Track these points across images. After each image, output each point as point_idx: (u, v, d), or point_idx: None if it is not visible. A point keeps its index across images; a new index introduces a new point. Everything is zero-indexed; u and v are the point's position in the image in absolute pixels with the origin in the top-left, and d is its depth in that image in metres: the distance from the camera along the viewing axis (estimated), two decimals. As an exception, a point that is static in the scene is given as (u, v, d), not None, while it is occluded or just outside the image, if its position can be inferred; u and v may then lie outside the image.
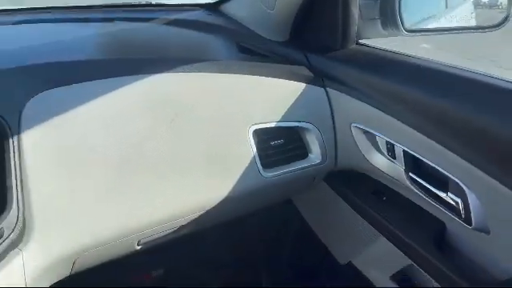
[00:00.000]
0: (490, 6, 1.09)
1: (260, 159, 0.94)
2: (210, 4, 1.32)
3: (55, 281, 0.84)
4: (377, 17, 0.99)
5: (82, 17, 1.17)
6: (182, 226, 0.94)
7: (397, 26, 0.97)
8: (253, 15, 1.14)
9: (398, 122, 0.87)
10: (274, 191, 1.01)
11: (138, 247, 0.94)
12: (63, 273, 0.83)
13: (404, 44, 1.29)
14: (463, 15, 1.04)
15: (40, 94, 0.79)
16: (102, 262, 0.91)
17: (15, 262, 0.71)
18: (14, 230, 0.71)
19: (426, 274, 0.86)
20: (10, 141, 0.74)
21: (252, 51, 1.08)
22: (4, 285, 0.70)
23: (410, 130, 0.85)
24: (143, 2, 1.31)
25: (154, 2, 1.29)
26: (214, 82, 0.94)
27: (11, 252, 0.71)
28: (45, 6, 1.13)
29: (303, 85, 0.99)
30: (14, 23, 1.06)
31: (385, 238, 0.94)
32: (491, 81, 0.77)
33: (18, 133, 0.75)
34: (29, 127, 0.76)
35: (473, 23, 1.01)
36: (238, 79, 0.95)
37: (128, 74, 0.88)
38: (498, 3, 1.03)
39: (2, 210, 0.71)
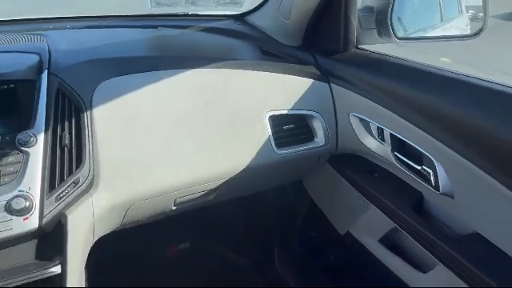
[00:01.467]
0: (473, 19, 1.30)
1: (274, 139, 1.16)
2: (236, 15, 1.57)
3: (110, 229, 1.07)
4: (373, 26, 1.20)
5: (132, 24, 1.43)
6: (211, 191, 1.16)
7: (389, 35, 1.18)
8: (272, 24, 1.38)
9: (387, 111, 1.07)
10: (284, 167, 1.22)
11: (174, 207, 1.17)
12: (117, 221, 1.07)
13: (405, 50, 1.49)
14: (448, 26, 1.24)
15: (106, 80, 1.04)
16: (147, 218, 1.14)
17: (86, 202, 0.95)
18: (86, 179, 0.95)
19: (407, 234, 1.06)
20: (85, 113, 0.98)
21: (271, 53, 1.31)
22: (77, 218, 0.94)
23: (396, 117, 1.05)
24: (180, 13, 1.56)
25: (189, 13, 1.54)
26: (240, 75, 1.17)
27: (84, 195, 0.95)
28: (104, 15, 1.40)
29: (311, 80, 1.21)
30: (83, 27, 1.33)
31: (375, 207, 1.14)
32: (454, 76, 0.97)
33: (91, 107, 0.99)
34: (98, 103, 1.01)
35: (455, 33, 1.21)
36: (258, 74, 1.18)
37: (172, 67, 1.12)
38: (479, 16, 1.23)
39: (79, 164, 0.95)
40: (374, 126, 1.13)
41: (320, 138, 1.22)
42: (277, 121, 1.18)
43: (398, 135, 1.06)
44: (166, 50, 1.25)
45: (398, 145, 1.08)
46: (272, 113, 1.16)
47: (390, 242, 1.15)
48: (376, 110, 1.10)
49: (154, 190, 1.05)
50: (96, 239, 1.03)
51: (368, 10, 1.20)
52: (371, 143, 1.16)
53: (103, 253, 1.14)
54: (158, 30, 1.40)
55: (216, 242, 1.77)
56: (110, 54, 1.13)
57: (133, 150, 1.02)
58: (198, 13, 1.55)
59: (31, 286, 0.91)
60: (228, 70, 1.17)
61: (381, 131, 1.11)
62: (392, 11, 1.16)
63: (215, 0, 1.44)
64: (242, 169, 1.13)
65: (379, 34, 1.21)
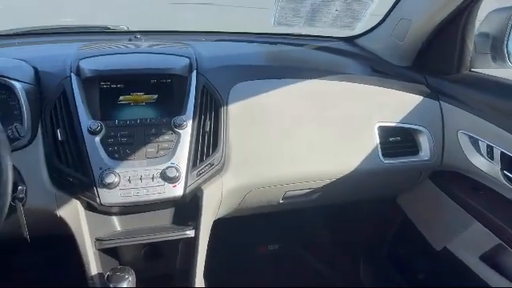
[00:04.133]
0: None
1: (381, 149, 1.25)
2: (346, 37, 1.70)
3: (230, 209, 1.22)
4: (488, 51, 1.26)
5: (255, 39, 1.64)
6: (316, 190, 1.28)
7: (504, 60, 1.22)
8: (383, 46, 1.49)
9: (499, 129, 1.11)
10: (388, 176, 1.30)
11: (282, 201, 1.30)
12: (236, 203, 1.22)
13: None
14: None
15: (240, 83, 1.22)
16: (258, 206, 1.28)
17: (218, 182, 1.12)
18: (219, 162, 1.12)
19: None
20: (222, 107, 1.16)
21: (381, 72, 1.41)
22: (210, 194, 1.11)
23: (509, 135, 1.09)
24: (295, 33, 1.73)
25: (304, 33, 1.71)
26: (353, 88, 1.29)
27: (216, 176, 1.13)
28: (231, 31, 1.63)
29: (421, 98, 1.29)
30: (215, 40, 1.57)
31: (478, 223, 1.16)
32: None
33: (227, 103, 1.17)
34: (232, 100, 1.18)
35: None
36: (370, 88, 1.29)
37: (291, 76, 1.28)
38: None
39: (214, 149, 1.12)
40: (483, 144, 1.17)
41: (425, 153, 1.28)
42: (385, 132, 1.27)
43: (510, 154, 1.09)
44: (286, 62, 1.42)
45: (509, 163, 1.10)
46: (381, 124, 1.26)
47: (493, 259, 1.16)
48: (487, 128, 1.15)
49: (270, 180, 1.19)
50: (217, 217, 1.19)
51: (484, 35, 1.26)
52: (479, 161, 1.19)
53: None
54: (278, 46, 1.58)
55: (303, 248, 1.86)
56: (242, 62, 1.32)
57: (256, 142, 1.18)
58: (312, 33, 1.72)
59: (170, 244, 1.09)
60: (343, 82, 1.29)
61: (490, 149, 1.15)
62: (509, 38, 1.21)
63: (330, 22, 1.59)
64: (348, 172, 1.23)
65: (493, 59, 1.25)
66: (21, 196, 0.82)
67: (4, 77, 0.99)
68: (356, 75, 1.33)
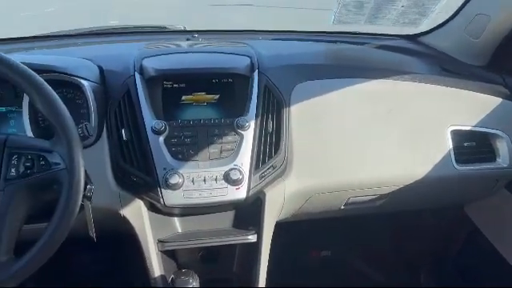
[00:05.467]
0: None
1: (454, 154, 1.16)
2: (409, 35, 1.61)
3: (289, 214, 1.18)
4: None
5: (312, 38, 1.59)
6: (381, 196, 1.21)
7: None
8: (454, 44, 1.39)
9: None
10: (460, 184, 1.20)
11: (343, 207, 1.23)
12: (296, 208, 1.17)
13: None
14: None
15: (302, 83, 1.17)
16: (317, 212, 1.23)
17: (280, 185, 1.08)
18: (282, 165, 1.08)
19: None
20: (284, 108, 1.12)
21: (452, 71, 1.32)
22: (272, 197, 1.07)
23: None
24: (354, 31, 1.66)
25: (363, 31, 1.64)
26: (423, 89, 1.20)
27: (279, 179, 1.08)
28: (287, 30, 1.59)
29: (499, 99, 1.19)
30: (272, 39, 1.53)
31: None
32: None
33: (289, 103, 1.13)
34: (295, 101, 1.14)
35: None
36: (442, 89, 1.21)
37: (355, 76, 1.21)
38: None
39: (276, 150, 1.08)
40: None
41: (503, 159, 1.18)
42: (458, 136, 1.18)
43: None
44: (349, 61, 1.36)
45: None
46: (454, 128, 1.17)
47: None
48: None
49: (333, 184, 1.14)
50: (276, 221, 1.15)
51: None
52: None
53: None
54: (338, 44, 1.52)
55: (357, 256, 1.78)
56: (303, 61, 1.27)
57: (319, 145, 1.12)
58: (372, 31, 1.64)
59: (227, 247, 1.07)
60: (411, 82, 1.21)
61: None
62: None
63: (394, 19, 1.51)
64: (418, 178, 1.15)
65: None
66: (89, 195, 0.81)
67: (73, 75, 1.00)
68: (426, 75, 1.25)
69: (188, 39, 1.43)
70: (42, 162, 0.77)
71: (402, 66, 1.37)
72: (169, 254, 1.09)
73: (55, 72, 0.98)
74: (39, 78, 0.77)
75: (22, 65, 0.76)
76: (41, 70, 0.79)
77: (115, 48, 1.43)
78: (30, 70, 0.76)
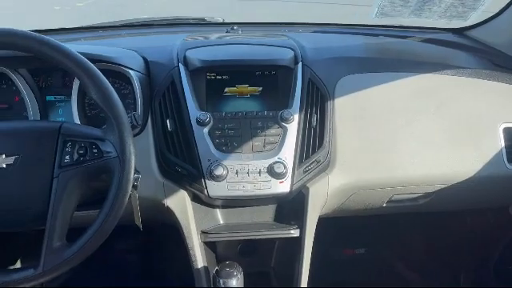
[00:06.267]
0: None
1: (506, 153, 1.11)
2: (455, 29, 1.55)
3: (331, 209, 1.15)
4: None
5: (355, 31, 1.55)
6: (425, 195, 1.17)
7: None
8: (504, 38, 1.32)
9: None
10: (511, 185, 1.15)
11: (385, 204, 1.20)
12: (337, 204, 1.15)
13: None
14: None
15: (347, 76, 1.14)
16: (358, 209, 1.20)
17: (323, 180, 1.06)
18: (325, 159, 1.06)
19: None
20: (328, 101, 1.09)
21: (503, 67, 1.26)
22: (316, 192, 1.05)
23: None
24: (398, 25, 1.61)
25: (407, 25, 1.59)
26: (474, 84, 1.16)
27: (322, 173, 1.06)
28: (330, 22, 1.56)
29: (555, 97, 1.12)
30: (313, 32, 1.51)
31: None
32: None
33: (333, 97, 1.11)
34: (339, 94, 1.11)
35: None
36: (494, 85, 1.15)
37: (400, 70, 1.18)
38: None
39: (320, 145, 1.06)
40: None
41: (558, 160, 1.12)
42: (511, 134, 1.12)
43: None
44: (394, 55, 1.31)
45: None
46: (508, 125, 1.12)
47: None
48: None
49: (378, 181, 1.11)
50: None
51: None
52: None
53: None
54: (380, 38, 1.48)
55: (393, 255, 1.74)
56: (347, 54, 1.24)
57: (363, 140, 1.09)
58: (416, 25, 1.59)
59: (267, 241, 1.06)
60: (460, 77, 1.17)
61: None
62: None
63: (441, 12, 1.45)
64: (466, 177, 1.11)
65: None
66: (136, 184, 0.82)
67: (121, 65, 1.01)
68: (476, 69, 1.20)
69: (227, 31, 1.43)
70: (95, 150, 0.78)
71: (450, 60, 1.32)
72: (208, 246, 1.09)
73: (104, 62, 0.99)
74: (94, 67, 0.78)
75: (78, 54, 0.77)
76: (90, 59, 0.80)
77: (157, 39, 1.44)
78: (86, 59, 0.77)
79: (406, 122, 1.11)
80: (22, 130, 0.80)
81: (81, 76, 0.77)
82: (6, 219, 0.79)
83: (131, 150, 0.77)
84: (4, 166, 0.75)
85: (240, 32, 1.42)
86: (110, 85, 0.78)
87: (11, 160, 0.76)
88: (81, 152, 0.78)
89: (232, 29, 1.44)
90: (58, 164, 0.77)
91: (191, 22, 1.57)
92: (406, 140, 1.10)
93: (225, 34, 1.39)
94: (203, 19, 1.58)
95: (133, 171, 0.77)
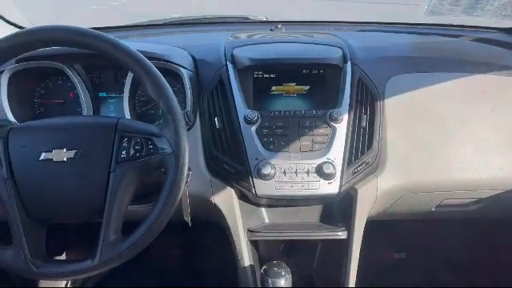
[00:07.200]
0: None
1: None
2: (508, 28, 1.48)
3: (378, 212, 1.12)
4: None
5: (402, 30, 1.51)
6: (477, 201, 1.12)
7: None
8: None
9: None
10: None
11: (433, 209, 1.16)
12: (385, 207, 1.12)
13: None
14: None
15: (397, 76, 1.11)
16: (404, 213, 1.17)
17: (372, 182, 1.04)
18: (374, 161, 1.03)
19: None
20: (378, 101, 1.07)
21: None
22: (364, 194, 1.03)
23: None
24: (447, 23, 1.56)
25: (456, 23, 1.53)
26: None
27: (371, 175, 1.04)
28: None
29: None
30: (357, 31, 1.48)
31: None
32: None
33: (383, 97, 1.07)
34: (389, 94, 1.08)
35: None
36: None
37: (453, 70, 1.13)
38: None
39: (369, 146, 1.03)
40: None
41: None
42: None
43: None
44: (445, 54, 1.27)
45: None
46: None
47: None
48: None
49: (428, 184, 1.07)
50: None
51: None
52: None
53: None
54: (430, 36, 1.43)
55: (433, 261, 1.69)
56: (396, 53, 1.21)
57: (414, 142, 1.06)
58: (466, 23, 1.53)
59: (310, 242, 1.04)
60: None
61: None
62: None
63: (494, 11, 1.39)
64: None
65: None
66: (187, 180, 0.82)
67: (172, 63, 1.02)
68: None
69: (271, 30, 1.42)
70: (150, 146, 0.80)
71: (504, 60, 1.26)
72: (252, 245, 1.09)
73: (157, 59, 1.00)
74: (151, 65, 0.79)
75: (137, 51, 0.78)
76: (146, 57, 0.81)
77: (202, 38, 1.44)
78: (144, 57, 0.78)
79: (460, 125, 1.07)
80: (81, 125, 0.82)
81: (139, 73, 0.78)
82: (64, 211, 0.82)
83: (186, 146, 0.77)
84: (65, 159, 0.77)
85: (284, 30, 1.41)
86: (166, 82, 0.79)
87: (71, 154, 0.78)
88: (137, 148, 0.79)
89: (276, 27, 1.43)
90: (115, 159, 0.79)
91: (234, 20, 1.58)
92: (458, 143, 1.06)
93: (269, 33, 1.38)
94: (246, 17, 1.58)
95: (186, 167, 0.78)
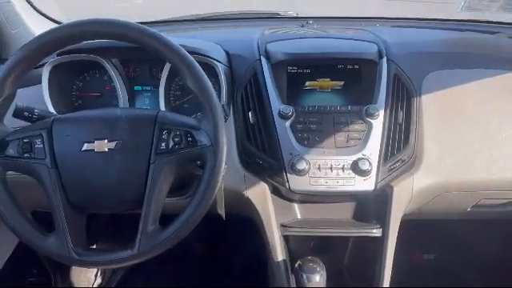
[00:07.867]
0: None
1: None
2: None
3: (413, 209, 1.10)
4: None
5: (438, 26, 1.48)
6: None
7: None
8: None
9: None
10: None
11: (469, 209, 1.13)
12: (420, 205, 1.09)
13: None
14: None
15: (434, 72, 1.09)
16: (440, 213, 1.14)
17: (408, 180, 1.01)
18: (410, 158, 1.02)
19: None
20: (414, 98, 1.05)
21: None
22: (400, 192, 1.01)
23: None
24: (482, 19, 1.52)
25: (493, 20, 1.49)
26: None
27: (406, 173, 1.02)
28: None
29: None
30: (391, 27, 1.45)
31: None
32: None
33: (420, 93, 1.06)
34: (426, 91, 1.06)
35: None
36: None
37: (492, 67, 1.10)
38: None
39: (405, 143, 1.01)
40: None
41: None
42: None
43: None
44: (483, 51, 1.24)
45: None
46: None
47: None
48: None
49: (466, 184, 1.04)
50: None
51: None
52: None
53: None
54: (466, 33, 1.40)
55: (464, 263, 1.65)
56: (433, 49, 1.19)
57: (452, 140, 1.04)
58: (503, 20, 1.48)
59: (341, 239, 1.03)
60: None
61: None
62: None
63: (534, 6, 1.35)
64: None
65: None
66: (223, 174, 0.83)
67: (209, 57, 1.03)
68: None
69: (302, 25, 1.41)
70: (190, 139, 0.80)
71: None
72: (284, 240, 1.09)
73: (195, 53, 1.00)
74: (193, 59, 0.79)
75: (179, 45, 0.79)
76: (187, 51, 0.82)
77: (234, 33, 1.45)
78: (185, 51, 0.79)
79: (499, 123, 1.04)
80: (122, 117, 0.83)
81: (180, 66, 0.78)
82: (104, 201, 0.83)
83: (224, 140, 0.78)
84: (106, 150, 0.79)
85: (315, 26, 1.40)
86: (206, 76, 0.79)
87: (113, 145, 0.79)
88: (176, 140, 0.80)
89: (307, 23, 1.42)
90: (155, 150, 0.79)
91: (265, 15, 1.57)
92: (498, 141, 1.03)
93: (301, 28, 1.37)
94: (277, 13, 1.58)
95: (224, 160, 0.78)
